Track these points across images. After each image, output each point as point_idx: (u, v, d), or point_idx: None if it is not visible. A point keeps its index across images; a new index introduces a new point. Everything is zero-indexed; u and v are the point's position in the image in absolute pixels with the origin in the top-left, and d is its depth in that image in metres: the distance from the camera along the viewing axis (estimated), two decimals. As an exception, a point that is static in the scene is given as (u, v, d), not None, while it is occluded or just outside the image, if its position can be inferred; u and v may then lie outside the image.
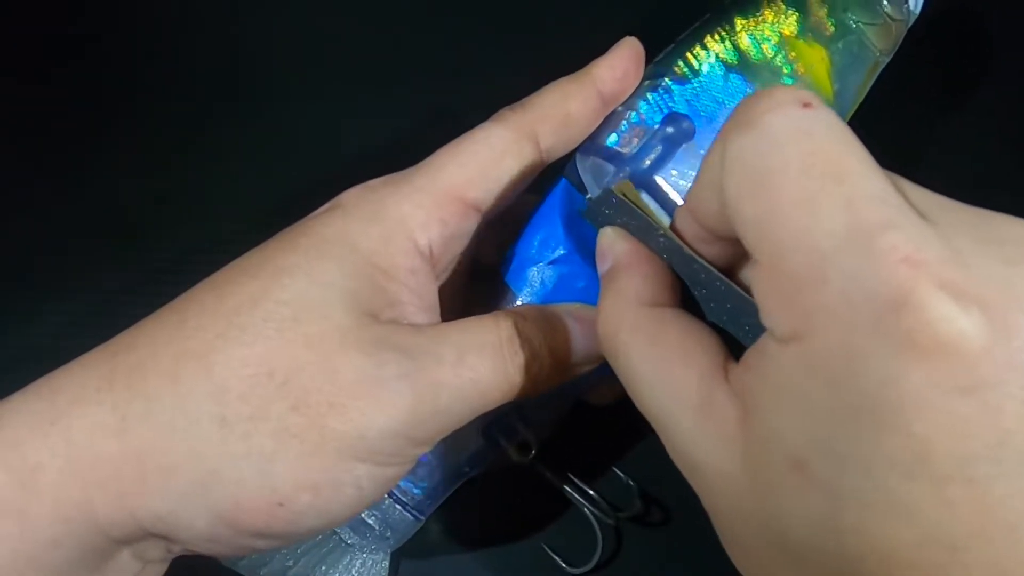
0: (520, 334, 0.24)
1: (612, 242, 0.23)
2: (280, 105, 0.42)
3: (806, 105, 0.17)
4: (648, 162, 0.27)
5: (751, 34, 0.28)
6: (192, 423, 0.21)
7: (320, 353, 0.22)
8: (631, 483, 0.33)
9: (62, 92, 0.43)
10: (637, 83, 0.28)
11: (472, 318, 0.24)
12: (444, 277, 0.28)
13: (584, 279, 0.27)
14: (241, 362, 0.21)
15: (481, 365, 0.23)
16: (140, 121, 0.42)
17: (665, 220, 0.25)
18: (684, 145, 0.27)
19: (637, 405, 0.20)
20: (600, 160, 0.28)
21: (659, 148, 0.27)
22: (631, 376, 0.20)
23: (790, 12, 0.29)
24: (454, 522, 0.33)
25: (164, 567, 0.24)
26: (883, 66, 0.30)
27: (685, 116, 0.27)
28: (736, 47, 0.28)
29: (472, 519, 0.33)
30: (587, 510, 0.30)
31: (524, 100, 0.27)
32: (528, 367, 0.24)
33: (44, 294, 0.38)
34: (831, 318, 0.15)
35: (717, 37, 0.28)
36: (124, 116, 0.42)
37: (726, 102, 0.28)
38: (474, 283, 0.29)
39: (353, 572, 0.30)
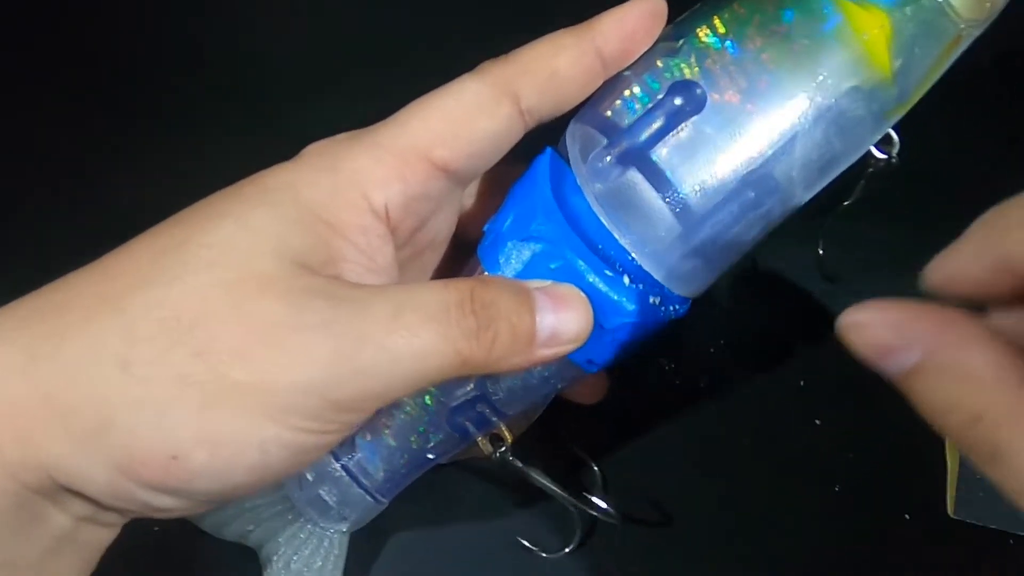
0: (474, 299, 0.22)
1: (910, 330, 0.18)
2: (279, 107, 0.43)
3: None
4: (645, 135, 0.24)
5: None
6: (96, 365, 0.20)
7: (235, 298, 0.20)
8: (595, 468, 0.33)
9: (60, 93, 0.43)
10: (649, 44, 0.25)
11: (431, 281, 0.23)
12: (417, 248, 0.26)
13: (559, 260, 0.25)
14: (153, 304, 0.20)
15: (420, 325, 0.21)
16: (136, 123, 0.43)
17: (656, 200, 0.24)
18: (689, 123, 0.24)
19: None
20: (592, 130, 0.25)
21: (661, 120, 0.24)
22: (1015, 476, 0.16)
23: None
24: (424, 518, 0.33)
25: (107, 534, 0.23)
26: (970, 40, 0.25)
27: (696, 85, 0.24)
28: (778, 12, 0.24)
29: (442, 513, 0.34)
30: (565, 501, 0.29)
31: (511, 52, 0.25)
32: (480, 336, 0.22)
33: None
34: None
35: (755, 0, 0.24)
36: (119, 118, 0.43)
37: (757, 78, 0.24)
38: (458, 261, 0.28)
39: (310, 547, 0.29)
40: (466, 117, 0.24)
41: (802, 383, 0.34)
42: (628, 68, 0.25)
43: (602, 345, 0.25)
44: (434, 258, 0.28)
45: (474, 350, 0.22)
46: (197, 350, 0.20)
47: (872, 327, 0.18)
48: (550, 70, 0.24)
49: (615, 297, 0.24)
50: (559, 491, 0.29)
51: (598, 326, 0.24)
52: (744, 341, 0.35)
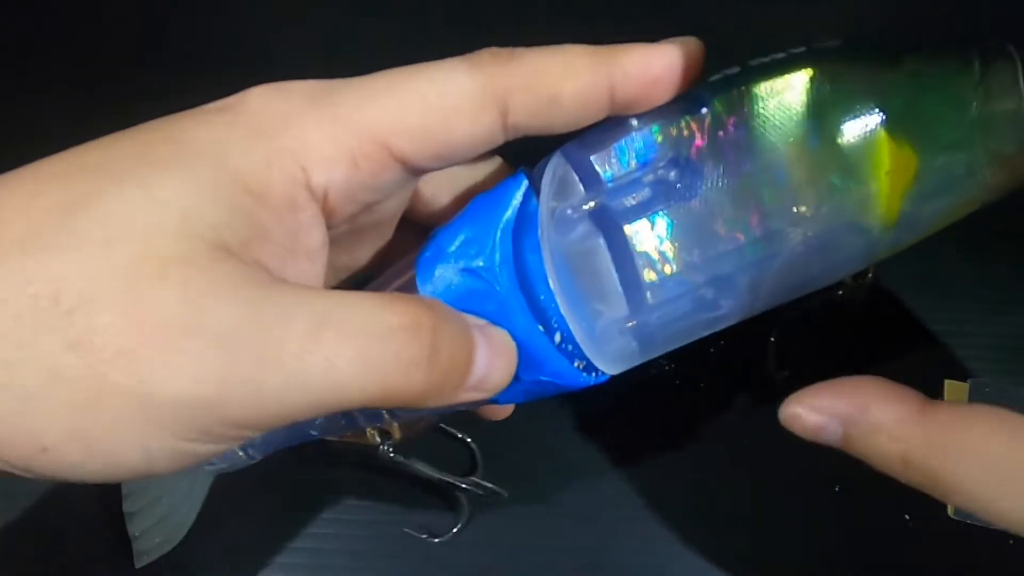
0: (423, 326, 0.20)
1: (829, 406, 0.22)
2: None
3: None
4: (627, 204, 0.22)
5: (837, 98, 0.21)
6: None
7: (126, 284, 0.18)
8: (472, 447, 0.34)
9: (60, 92, 0.43)
10: (670, 96, 0.22)
11: (364, 292, 0.21)
12: (356, 227, 0.24)
13: (497, 304, 0.22)
14: (27, 277, 0.18)
15: (344, 349, 0.19)
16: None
17: (612, 277, 0.22)
18: (676, 205, 0.21)
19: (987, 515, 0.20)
20: (573, 174, 0.22)
21: (647, 192, 0.21)
22: (969, 494, 0.20)
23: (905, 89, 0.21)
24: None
25: None
26: (977, 206, 0.23)
27: (698, 173, 0.21)
28: (810, 113, 0.21)
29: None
30: (452, 485, 0.30)
31: (516, 51, 0.22)
32: (419, 370, 0.20)
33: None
34: None
35: (795, 80, 0.21)
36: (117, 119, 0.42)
37: (761, 177, 0.21)
38: (402, 244, 0.25)
39: (174, 475, 0.30)
40: (443, 114, 0.21)
41: (802, 383, 0.34)
42: (639, 116, 0.22)
43: (513, 392, 0.24)
44: (375, 239, 0.25)
45: (408, 385, 0.20)
46: (73, 341, 0.17)
47: (802, 415, 0.22)
48: (551, 93, 0.22)
49: (541, 355, 0.23)
50: (444, 477, 0.30)
51: (515, 375, 0.23)
52: (744, 342, 0.35)
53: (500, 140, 0.22)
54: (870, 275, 0.26)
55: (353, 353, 0.19)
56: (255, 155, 0.20)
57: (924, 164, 0.21)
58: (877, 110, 0.21)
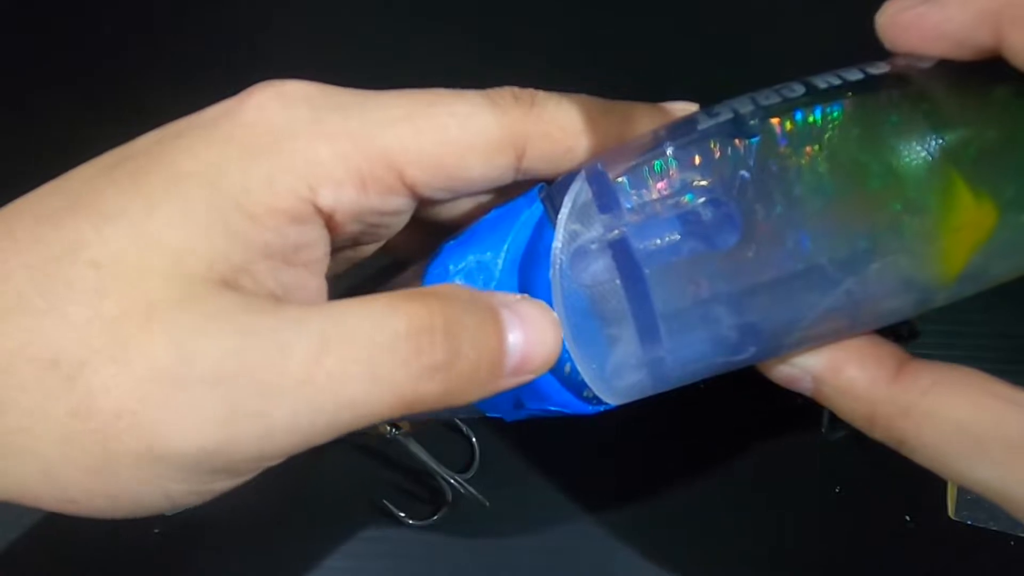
0: (436, 327, 0.18)
1: (804, 362, 0.22)
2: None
3: None
4: (652, 241, 0.19)
5: (905, 136, 0.18)
6: None
7: (117, 340, 0.17)
8: (475, 441, 0.34)
9: (59, 92, 0.43)
10: None
11: (369, 298, 0.19)
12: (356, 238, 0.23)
13: None
14: (27, 342, 0.17)
15: (350, 366, 0.18)
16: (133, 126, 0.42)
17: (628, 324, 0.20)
18: (707, 244, 0.19)
19: (958, 480, 0.20)
20: (595, 205, 0.20)
21: (675, 229, 0.19)
22: (934, 457, 0.20)
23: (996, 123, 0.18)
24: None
25: None
26: None
27: (736, 210, 0.19)
28: (876, 145, 0.18)
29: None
30: (439, 475, 0.30)
31: (537, 97, 0.22)
32: (438, 374, 0.18)
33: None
34: None
35: (855, 111, 0.19)
36: (119, 122, 0.42)
37: (809, 224, 0.19)
38: (412, 240, 0.25)
39: None
40: (462, 150, 0.21)
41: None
42: (672, 138, 0.20)
43: (516, 414, 0.23)
44: (380, 238, 0.24)
45: (427, 391, 0.19)
46: (76, 408, 0.17)
47: (779, 366, 0.22)
48: (569, 146, 0.22)
49: (547, 388, 0.22)
50: (435, 466, 0.30)
51: (518, 402, 0.22)
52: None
53: (511, 180, 0.22)
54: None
55: (360, 368, 0.18)
56: (255, 172, 0.19)
57: (1004, 221, 0.19)
58: (956, 154, 0.18)
